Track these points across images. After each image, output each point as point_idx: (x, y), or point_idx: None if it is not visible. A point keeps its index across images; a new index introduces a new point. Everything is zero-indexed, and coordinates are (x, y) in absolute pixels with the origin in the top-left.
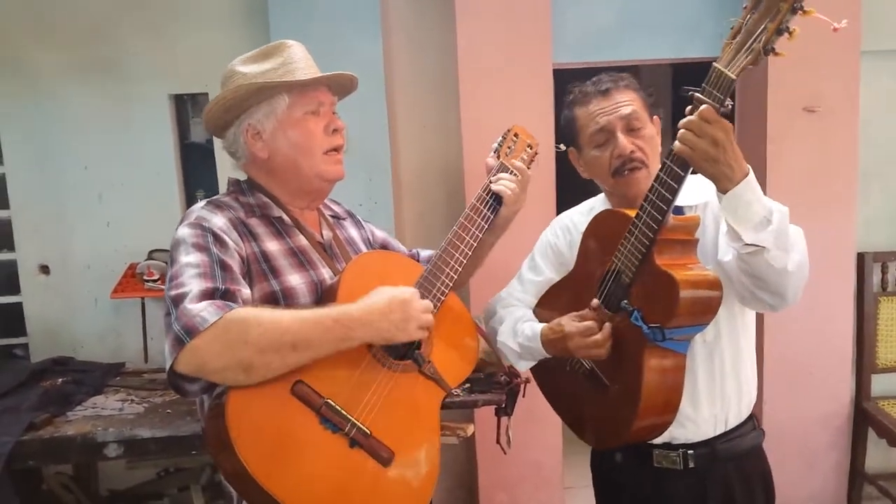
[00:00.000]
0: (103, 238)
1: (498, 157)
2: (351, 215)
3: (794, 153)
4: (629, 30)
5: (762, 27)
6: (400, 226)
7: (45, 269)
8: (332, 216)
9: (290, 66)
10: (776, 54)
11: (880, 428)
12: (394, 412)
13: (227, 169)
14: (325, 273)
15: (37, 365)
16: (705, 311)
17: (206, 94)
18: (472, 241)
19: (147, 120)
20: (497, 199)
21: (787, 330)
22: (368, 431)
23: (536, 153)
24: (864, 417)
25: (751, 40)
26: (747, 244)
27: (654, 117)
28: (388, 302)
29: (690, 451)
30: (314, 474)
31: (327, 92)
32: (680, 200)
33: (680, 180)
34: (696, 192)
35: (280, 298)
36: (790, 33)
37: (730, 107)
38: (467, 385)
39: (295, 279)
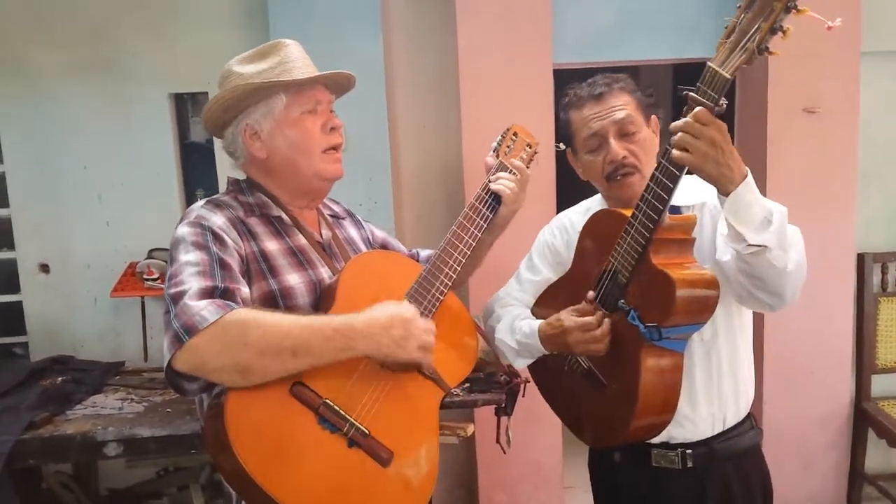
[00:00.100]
0: (103, 237)
1: (497, 157)
2: (350, 215)
3: (793, 154)
4: (629, 30)
5: (756, 26)
6: (400, 225)
7: (44, 268)
8: (332, 216)
9: (287, 66)
10: (770, 53)
11: (880, 428)
12: (393, 412)
13: (226, 168)
14: (324, 272)
15: (36, 364)
16: (702, 309)
17: (206, 94)
18: (470, 241)
19: (147, 119)
20: (496, 199)
21: (787, 330)
22: (367, 431)
23: (536, 152)
24: (863, 418)
25: (745, 39)
26: (750, 245)
27: (652, 117)
28: (390, 317)
29: (689, 451)
30: (313, 474)
31: (325, 90)
32: (677, 200)
33: (675, 179)
34: (693, 192)
35: (278, 298)
36: (784, 32)
37: (724, 106)
38: (467, 385)
39: (294, 279)
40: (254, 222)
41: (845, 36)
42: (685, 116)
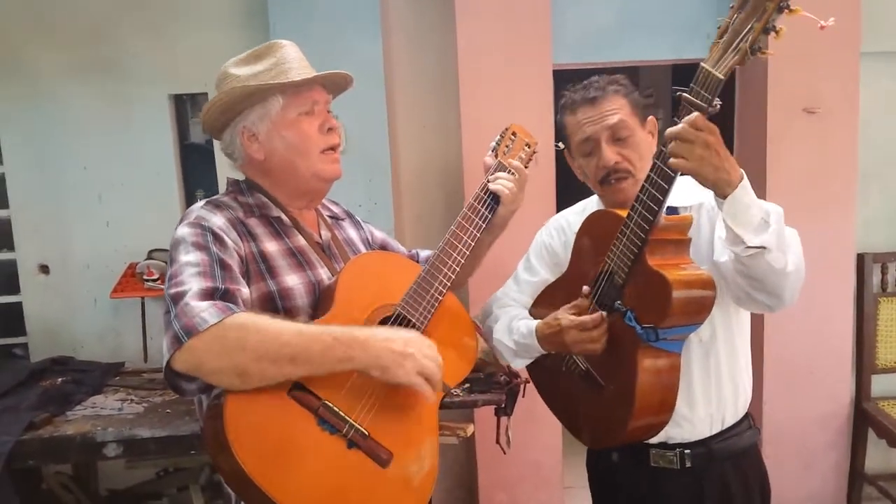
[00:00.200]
0: (103, 238)
1: (496, 156)
2: (350, 216)
3: (793, 154)
4: (629, 30)
5: (749, 26)
6: (399, 226)
7: (44, 269)
8: (331, 217)
9: (283, 67)
10: (763, 54)
11: (880, 428)
12: (392, 413)
13: (226, 169)
14: (324, 273)
15: (36, 364)
16: (699, 310)
17: (206, 95)
18: (469, 241)
19: (147, 120)
20: (495, 199)
21: (787, 330)
22: (367, 433)
23: (535, 152)
24: (863, 418)
25: (738, 40)
26: (749, 247)
27: (650, 118)
28: (393, 333)
29: (687, 451)
30: (312, 475)
31: (322, 91)
32: (674, 201)
33: (670, 181)
34: (689, 193)
35: (277, 298)
36: (777, 32)
37: (718, 107)
38: (467, 385)
39: (293, 279)
40: (253, 223)
41: (845, 36)
42: (678, 117)
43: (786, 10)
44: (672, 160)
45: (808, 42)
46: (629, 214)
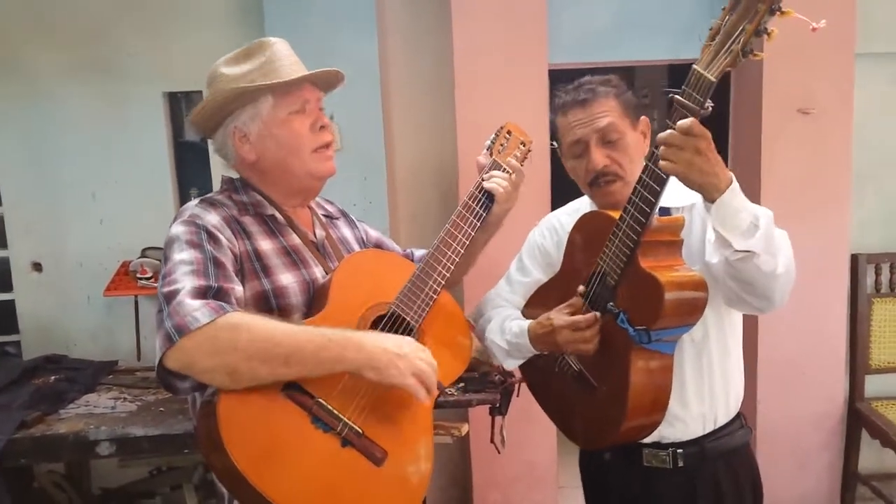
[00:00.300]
0: (97, 236)
1: (491, 155)
2: (344, 215)
3: (788, 155)
4: (625, 31)
5: (741, 28)
6: (394, 225)
7: (37, 267)
8: (326, 215)
9: (273, 66)
10: (755, 56)
11: (873, 428)
12: (386, 411)
13: (220, 167)
14: (318, 272)
15: (29, 363)
16: (691, 311)
17: (200, 93)
18: (464, 239)
19: (141, 118)
20: (489, 197)
21: (781, 330)
22: (361, 431)
23: (530, 150)
24: (857, 418)
25: (729, 42)
26: (738, 251)
27: (642, 118)
28: (388, 335)
29: (680, 450)
30: (306, 474)
31: (313, 89)
32: (666, 202)
33: (662, 183)
34: (682, 193)
35: (271, 297)
36: (769, 34)
37: (710, 109)
38: (461, 384)
39: (287, 278)
40: (248, 221)
41: (840, 37)
42: (670, 120)
43: (778, 12)
44: (661, 162)
45: (802, 42)
46: (621, 216)
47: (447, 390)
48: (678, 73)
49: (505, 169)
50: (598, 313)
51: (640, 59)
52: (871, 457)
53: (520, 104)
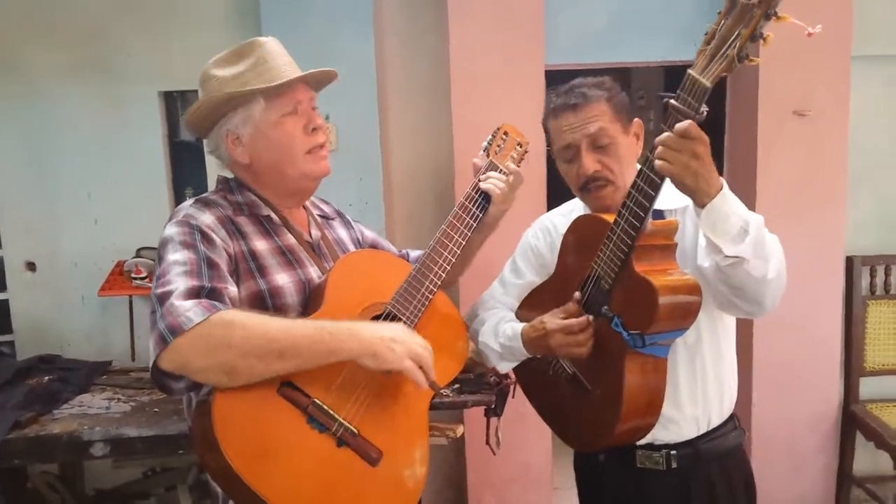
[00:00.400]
0: (91, 235)
1: (487, 156)
2: (340, 215)
3: (784, 157)
4: (622, 32)
5: (736, 33)
6: (390, 226)
7: (31, 266)
8: (321, 216)
9: (264, 67)
10: (751, 61)
11: (868, 431)
12: (382, 412)
13: (216, 167)
14: (313, 272)
15: (23, 363)
16: (685, 315)
17: (196, 92)
18: (460, 240)
19: (137, 117)
20: (486, 198)
21: (776, 333)
22: (356, 431)
23: (526, 151)
24: (852, 420)
25: (725, 47)
26: (727, 256)
27: (635, 120)
28: (382, 323)
29: (673, 452)
30: (301, 474)
31: (305, 89)
32: (659, 204)
33: (657, 188)
34: (674, 196)
35: (267, 297)
36: (764, 40)
37: (705, 114)
38: (457, 385)
39: (282, 278)
40: (243, 221)
41: (836, 39)
42: (665, 124)
43: (773, 17)
44: (657, 162)
45: (799, 44)
46: (616, 220)
47: (442, 391)
48: (675, 74)
49: (502, 170)
50: (590, 316)
51: (636, 61)
52: (866, 459)
53: (516, 105)
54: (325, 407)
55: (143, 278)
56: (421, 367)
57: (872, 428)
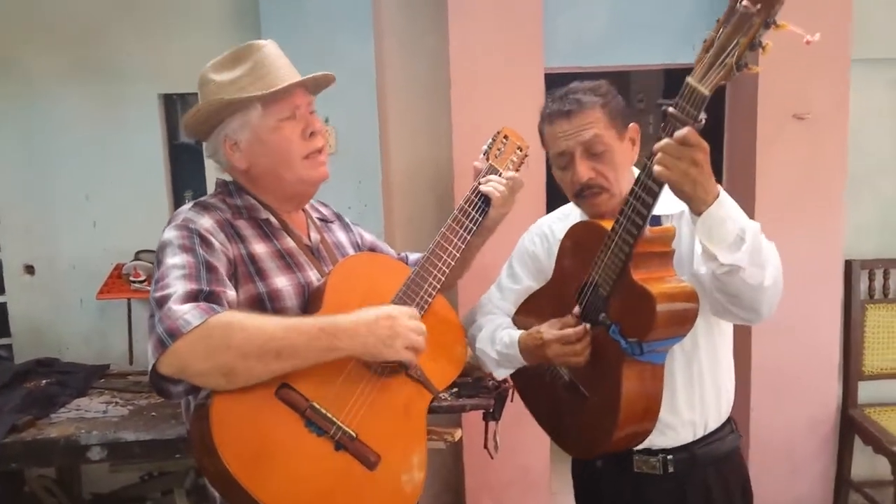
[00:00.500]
0: (90, 238)
1: (487, 159)
2: (339, 218)
3: (783, 160)
4: (621, 35)
5: (735, 42)
6: (390, 229)
7: (29, 269)
8: (320, 219)
9: (262, 72)
10: (749, 70)
11: (866, 435)
12: (380, 415)
13: (215, 170)
14: (313, 275)
15: (21, 366)
16: (683, 322)
17: (196, 95)
18: (459, 244)
19: (136, 120)
20: (485, 201)
21: (775, 336)
22: (354, 435)
23: (526, 155)
24: (850, 425)
25: (724, 55)
26: (723, 264)
27: (631, 125)
28: (376, 316)
29: (670, 456)
30: (299, 477)
31: (303, 94)
32: (656, 209)
33: (655, 195)
34: (671, 201)
35: (266, 300)
36: (763, 48)
37: (703, 122)
38: (455, 389)
39: (281, 281)
40: (242, 225)
41: (835, 42)
42: (663, 131)
43: (772, 26)
44: (656, 168)
45: (798, 48)
46: (614, 227)
47: (441, 395)
48: (674, 77)
49: (501, 173)
50: (587, 325)
51: (635, 64)
52: (864, 463)
53: (516, 108)
54: (323, 410)
55: (141, 281)
56: (417, 353)
57: (871, 432)
